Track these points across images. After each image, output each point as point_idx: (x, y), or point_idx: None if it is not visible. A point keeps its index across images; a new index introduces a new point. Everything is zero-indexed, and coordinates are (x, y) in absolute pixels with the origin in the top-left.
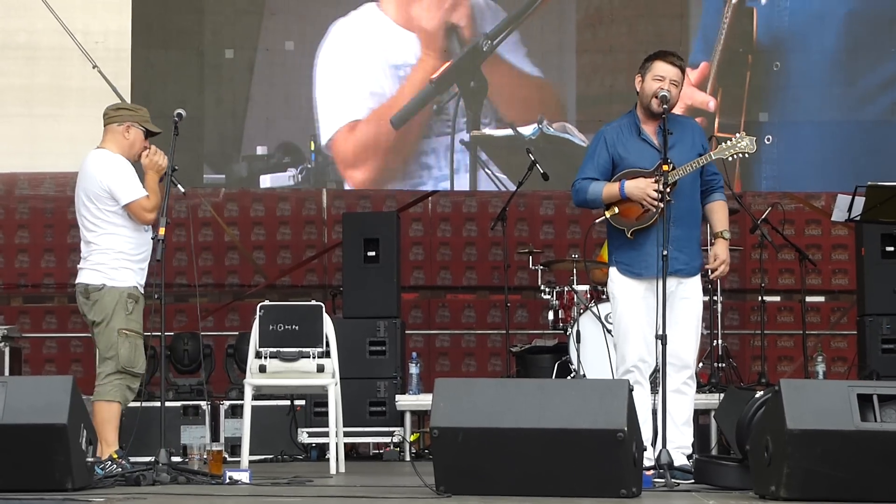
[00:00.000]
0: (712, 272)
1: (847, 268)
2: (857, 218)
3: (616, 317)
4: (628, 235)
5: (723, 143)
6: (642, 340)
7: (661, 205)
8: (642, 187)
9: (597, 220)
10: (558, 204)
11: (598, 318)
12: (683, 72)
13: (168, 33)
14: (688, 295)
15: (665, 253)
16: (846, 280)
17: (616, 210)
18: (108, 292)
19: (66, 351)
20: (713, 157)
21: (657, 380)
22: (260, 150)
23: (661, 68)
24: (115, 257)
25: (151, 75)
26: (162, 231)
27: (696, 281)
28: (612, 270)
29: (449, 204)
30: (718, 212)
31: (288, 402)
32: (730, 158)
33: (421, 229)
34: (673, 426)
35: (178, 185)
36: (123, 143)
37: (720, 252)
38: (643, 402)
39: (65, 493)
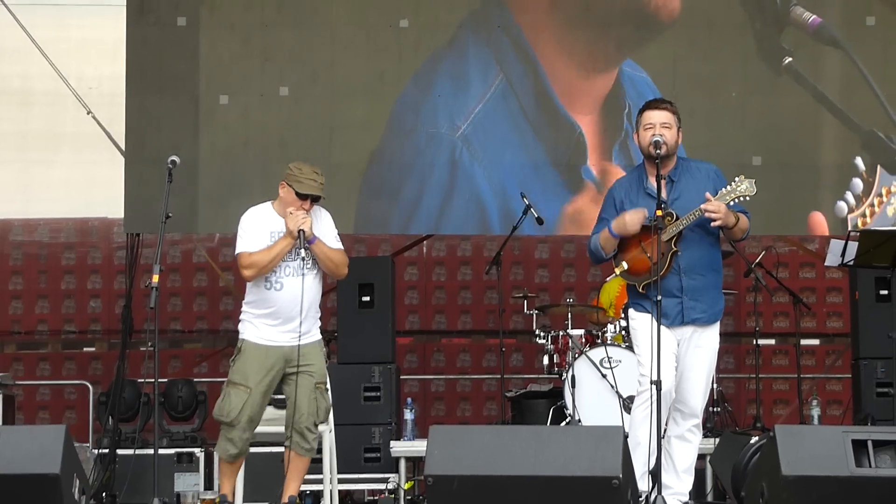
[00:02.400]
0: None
1: (841, 311)
2: (851, 262)
3: (640, 348)
4: (640, 289)
5: (722, 189)
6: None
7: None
8: (622, 218)
9: (609, 278)
10: (553, 248)
11: (596, 366)
12: (675, 114)
13: (163, 79)
14: (703, 344)
15: (659, 298)
16: (840, 323)
17: (625, 266)
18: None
19: (59, 398)
20: (709, 207)
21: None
22: (256, 195)
23: (649, 116)
24: (243, 309)
25: (146, 121)
26: (155, 278)
27: (714, 329)
28: (632, 311)
29: (444, 248)
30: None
31: (282, 450)
32: (731, 203)
33: (416, 273)
34: (673, 473)
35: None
36: (279, 200)
37: (719, 207)
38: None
39: None
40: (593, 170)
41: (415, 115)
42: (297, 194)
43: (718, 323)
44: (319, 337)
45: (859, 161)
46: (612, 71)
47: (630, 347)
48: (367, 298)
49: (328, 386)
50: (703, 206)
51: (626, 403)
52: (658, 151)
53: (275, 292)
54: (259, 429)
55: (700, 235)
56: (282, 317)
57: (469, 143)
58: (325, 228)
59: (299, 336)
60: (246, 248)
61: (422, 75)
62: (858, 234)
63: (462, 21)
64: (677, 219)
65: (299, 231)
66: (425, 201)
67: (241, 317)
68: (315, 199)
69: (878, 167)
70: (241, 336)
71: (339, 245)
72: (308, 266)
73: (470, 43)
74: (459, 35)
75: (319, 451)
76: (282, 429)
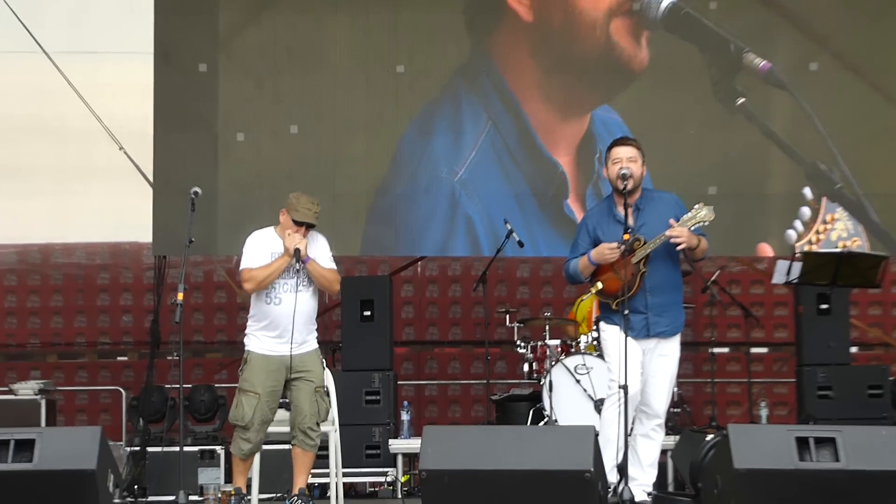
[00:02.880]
0: (673, 230)
1: (787, 322)
2: (795, 281)
3: (609, 356)
4: (613, 307)
5: (684, 216)
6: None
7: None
8: (601, 250)
9: (584, 296)
10: (533, 267)
11: (571, 372)
12: (639, 149)
13: (186, 118)
14: (666, 353)
15: (626, 312)
16: (786, 333)
17: (600, 286)
18: None
19: (95, 402)
20: (672, 233)
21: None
22: (268, 222)
23: (617, 152)
24: (248, 324)
25: (171, 156)
26: (180, 296)
27: (676, 340)
28: (603, 324)
29: (436, 268)
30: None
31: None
32: (692, 228)
33: (411, 290)
34: (639, 467)
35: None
36: (281, 225)
37: (682, 232)
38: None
39: None
40: (573, 207)
41: (417, 158)
42: (294, 221)
43: (679, 335)
44: (316, 346)
45: (807, 191)
46: (586, 115)
47: (601, 356)
48: (367, 313)
49: (327, 389)
50: (668, 232)
51: (598, 405)
52: (625, 182)
53: (274, 307)
54: (271, 429)
55: (664, 258)
56: (279, 328)
57: (466, 186)
58: (319, 250)
59: (290, 346)
60: (248, 264)
61: (421, 121)
62: (802, 255)
63: (455, 70)
64: (645, 243)
65: (295, 250)
66: (424, 229)
67: (246, 331)
68: (310, 226)
69: (823, 197)
70: (246, 348)
71: (333, 265)
72: (304, 283)
73: (462, 92)
74: (452, 83)
75: (326, 447)
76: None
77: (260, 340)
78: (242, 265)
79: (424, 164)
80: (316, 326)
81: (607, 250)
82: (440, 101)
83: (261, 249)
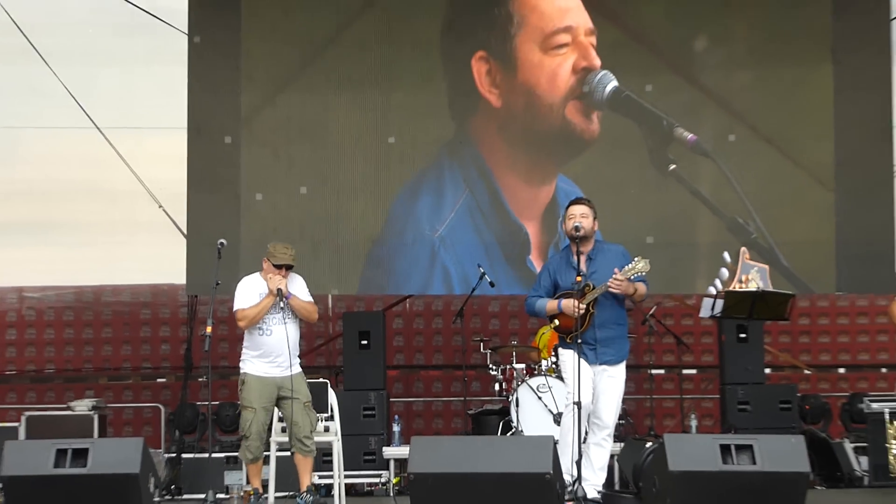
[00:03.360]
0: (613, 280)
1: (712, 349)
2: (718, 314)
3: (566, 374)
4: (567, 340)
5: (627, 266)
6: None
7: (583, 310)
8: (568, 305)
9: (544, 330)
10: (502, 304)
11: (534, 390)
12: (591, 207)
13: (214, 181)
14: (614, 376)
15: (579, 341)
16: (712, 357)
17: (557, 323)
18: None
19: (139, 417)
20: (612, 284)
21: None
22: None
23: (572, 210)
24: (243, 351)
25: (202, 212)
26: (209, 329)
27: (622, 366)
28: (560, 349)
29: (422, 304)
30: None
31: None
32: (631, 278)
33: (401, 323)
34: (591, 470)
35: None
36: (264, 270)
37: (625, 282)
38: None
39: None
40: (534, 262)
41: (406, 217)
42: (274, 265)
43: (625, 361)
44: (300, 370)
45: (726, 255)
46: (550, 184)
47: (559, 377)
48: (365, 342)
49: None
50: (609, 283)
51: (556, 418)
52: (577, 233)
53: (266, 337)
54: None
55: (610, 300)
56: (272, 355)
57: (444, 241)
58: (298, 287)
59: (290, 368)
60: (240, 305)
61: (412, 185)
62: (724, 293)
63: (441, 145)
64: (594, 288)
65: (277, 289)
66: (410, 274)
67: (242, 357)
68: (289, 268)
69: (740, 258)
70: (243, 371)
71: (310, 298)
72: (289, 316)
73: (445, 163)
74: (439, 155)
75: (330, 453)
76: None
77: (255, 365)
78: (236, 306)
79: (411, 222)
80: (299, 352)
81: (572, 308)
82: (427, 170)
83: (250, 292)
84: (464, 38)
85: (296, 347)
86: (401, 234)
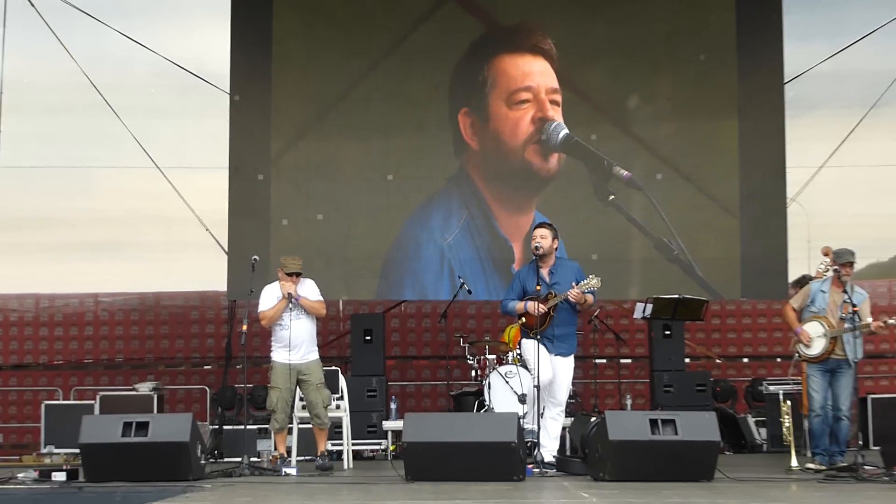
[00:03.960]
0: (572, 292)
1: (643, 343)
2: (648, 316)
3: (528, 362)
4: (531, 335)
5: (583, 281)
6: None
7: (545, 308)
8: (532, 306)
9: (511, 327)
10: (478, 307)
11: (503, 376)
12: (551, 229)
13: (249, 210)
14: (565, 364)
15: (538, 337)
16: (643, 350)
17: (524, 320)
18: None
19: (190, 397)
20: (570, 294)
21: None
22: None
23: (535, 232)
24: (272, 343)
25: (239, 234)
26: (244, 327)
27: (572, 357)
28: (524, 340)
29: (414, 307)
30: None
31: None
32: (585, 291)
33: (398, 322)
34: (548, 439)
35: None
36: (280, 278)
37: (578, 294)
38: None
39: (187, 482)
40: (516, 268)
41: (419, 233)
42: (286, 273)
43: (574, 354)
44: (317, 357)
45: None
46: (528, 212)
47: (523, 366)
48: (368, 338)
49: (324, 383)
50: (568, 293)
51: (521, 398)
52: (537, 251)
53: (284, 331)
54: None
55: (566, 307)
56: (290, 345)
57: (451, 248)
58: (308, 289)
59: (301, 354)
60: (262, 308)
61: (424, 208)
62: (652, 300)
63: (447, 179)
64: (556, 296)
65: (288, 293)
66: (418, 280)
67: (272, 347)
68: (298, 274)
69: None
70: (272, 359)
71: (319, 297)
72: (301, 313)
73: (453, 191)
74: (448, 186)
75: (341, 426)
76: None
77: (279, 353)
78: (259, 309)
79: (425, 234)
80: (317, 342)
81: (533, 308)
82: (439, 195)
83: (269, 297)
84: (450, 97)
85: (312, 338)
86: (410, 247)
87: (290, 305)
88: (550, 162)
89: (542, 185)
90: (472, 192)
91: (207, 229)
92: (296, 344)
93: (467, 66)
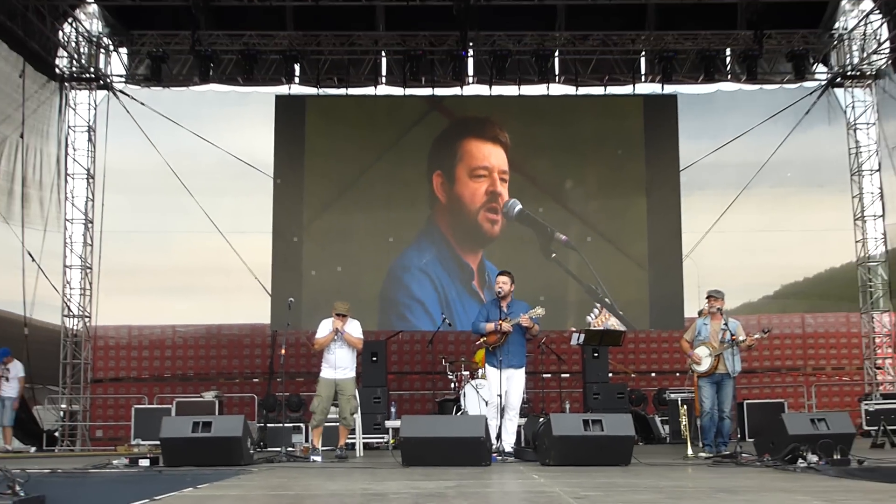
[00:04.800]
0: (522, 318)
1: (578, 362)
2: (581, 343)
3: (490, 379)
4: (490, 350)
5: (530, 311)
6: (499, 391)
7: (502, 330)
8: (492, 327)
9: (479, 350)
10: (457, 335)
11: (474, 387)
12: (509, 276)
13: (287, 263)
14: (518, 376)
15: (500, 357)
16: (579, 367)
17: (486, 339)
18: None
19: (242, 402)
20: (523, 320)
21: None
22: (325, 314)
23: (497, 279)
24: (322, 363)
25: (280, 281)
26: (283, 351)
27: (522, 370)
28: (487, 366)
29: (408, 336)
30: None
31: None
32: (532, 318)
33: (396, 346)
34: (507, 434)
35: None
36: (333, 315)
37: (527, 320)
38: (495, 413)
39: (240, 466)
40: (475, 285)
41: (403, 270)
42: (336, 314)
43: (524, 367)
44: (353, 375)
45: (597, 307)
46: (477, 253)
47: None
48: (374, 358)
49: (356, 396)
50: (520, 320)
51: (487, 403)
52: (500, 294)
53: (330, 355)
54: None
55: (518, 331)
56: (334, 366)
57: (425, 270)
58: (352, 327)
59: (343, 372)
60: (317, 337)
61: (406, 254)
62: (585, 331)
63: (419, 231)
64: (511, 322)
65: (335, 329)
66: (411, 308)
67: (321, 366)
68: (343, 315)
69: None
70: (320, 374)
71: (359, 335)
72: (344, 344)
73: (424, 238)
74: (421, 233)
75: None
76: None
77: (325, 370)
78: (315, 337)
79: (407, 266)
80: (354, 365)
81: (493, 329)
82: (418, 242)
83: (324, 329)
84: (428, 161)
85: (351, 362)
86: (399, 275)
87: (336, 337)
88: (495, 229)
89: (486, 243)
90: (439, 235)
91: (256, 278)
92: (339, 365)
93: (445, 141)
